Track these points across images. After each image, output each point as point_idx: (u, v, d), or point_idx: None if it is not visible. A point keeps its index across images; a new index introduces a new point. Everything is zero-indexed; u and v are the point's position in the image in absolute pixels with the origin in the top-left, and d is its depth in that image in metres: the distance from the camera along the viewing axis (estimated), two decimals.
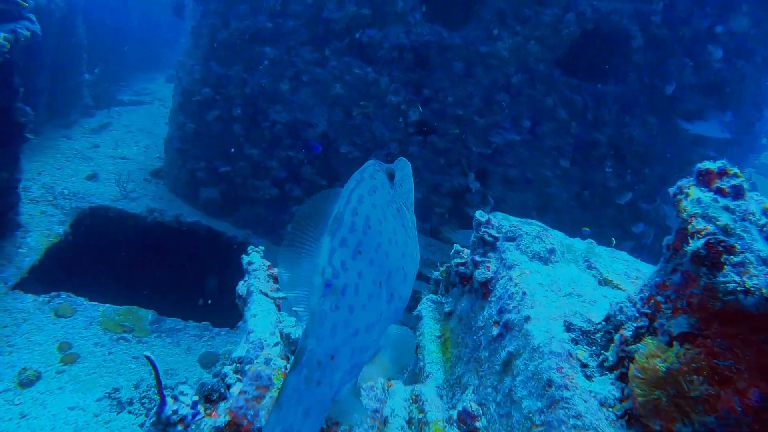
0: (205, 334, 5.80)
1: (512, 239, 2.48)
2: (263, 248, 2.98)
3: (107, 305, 5.78)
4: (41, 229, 6.59)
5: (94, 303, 5.78)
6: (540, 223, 2.66)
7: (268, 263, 2.84)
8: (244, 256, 2.86)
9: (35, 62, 8.22)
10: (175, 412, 1.64)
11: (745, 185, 1.44)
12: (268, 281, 2.67)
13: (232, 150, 7.83)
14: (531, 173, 7.56)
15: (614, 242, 3.12)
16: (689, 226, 1.38)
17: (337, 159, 7.55)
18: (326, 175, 7.64)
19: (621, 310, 1.68)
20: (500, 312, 2.15)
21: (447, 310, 2.74)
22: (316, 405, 1.15)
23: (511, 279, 2.21)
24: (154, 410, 1.65)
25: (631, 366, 1.50)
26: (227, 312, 4.35)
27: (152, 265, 7.02)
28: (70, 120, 9.69)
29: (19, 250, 6.13)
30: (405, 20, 6.92)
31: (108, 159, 8.91)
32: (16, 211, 6.37)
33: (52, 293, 5.76)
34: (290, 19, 7.20)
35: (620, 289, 2.22)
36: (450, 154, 7.35)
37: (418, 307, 2.97)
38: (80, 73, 10.18)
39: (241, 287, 2.67)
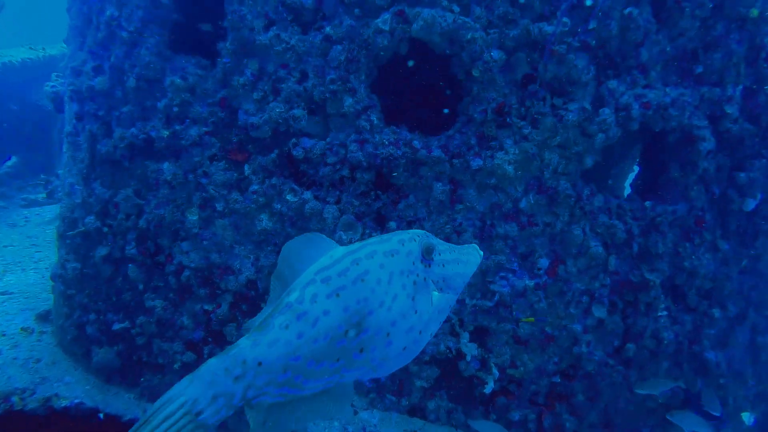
0: None
1: None
2: None
3: None
4: None
5: None
6: None
7: None
8: None
9: None
10: None
11: None
12: None
13: (129, 300, 5.56)
14: (551, 328, 5.21)
15: None
16: None
17: None
18: None
19: None
20: None
21: None
22: (224, 393, 1.31)
23: None
24: None
25: None
26: None
27: None
28: None
29: None
30: (357, 124, 4.64)
31: None
32: None
33: None
34: (193, 125, 4.94)
35: None
36: None
37: None
38: None
39: None
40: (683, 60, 4.64)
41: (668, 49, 4.53)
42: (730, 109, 4.76)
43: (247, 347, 1.37)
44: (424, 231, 1.68)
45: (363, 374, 1.54)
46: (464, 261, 1.73)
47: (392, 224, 4.84)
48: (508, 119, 4.58)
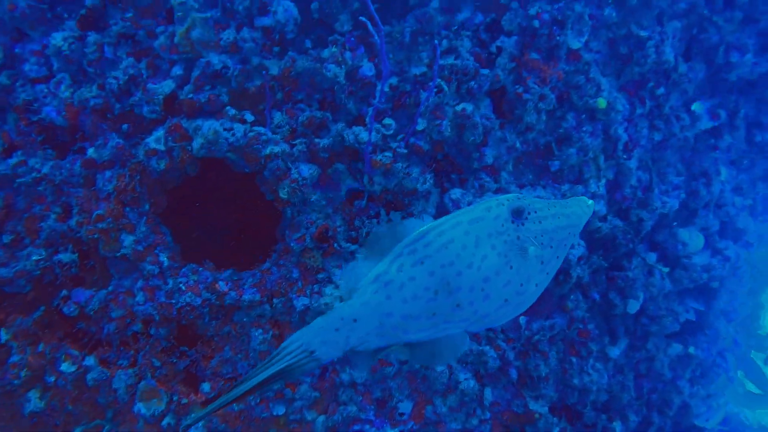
0: None
1: None
2: None
3: None
4: None
5: None
6: None
7: None
8: None
9: None
10: None
11: None
12: None
13: None
14: None
15: None
16: None
17: None
18: None
19: None
20: None
21: None
22: (330, 340, 1.74)
23: None
24: None
25: None
26: None
27: None
28: None
29: None
30: (142, 268, 3.57)
31: None
32: None
33: None
34: None
35: None
36: None
37: None
38: None
39: None
40: (537, 156, 3.95)
41: (518, 145, 3.81)
42: (597, 207, 4.09)
43: (344, 308, 1.75)
44: (515, 194, 1.83)
45: (470, 326, 1.79)
46: (566, 214, 1.84)
47: (205, 386, 3.75)
48: (335, 245, 3.65)
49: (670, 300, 4.77)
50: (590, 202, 1.93)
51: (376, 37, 2.81)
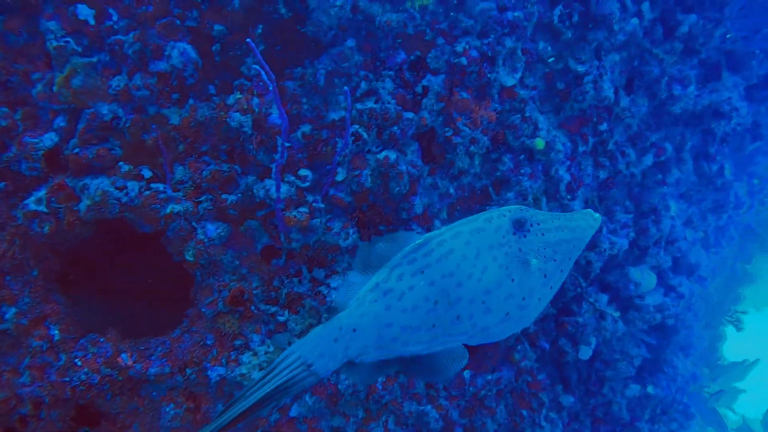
0: None
1: None
2: None
3: None
4: None
5: None
6: None
7: None
8: None
9: None
10: None
11: None
12: None
13: None
14: None
15: None
16: None
17: None
18: None
19: None
20: None
21: None
22: (328, 352, 1.65)
23: None
24: None
25: None
26: None
27: None
28: None
29: None
30: (28, 344, 3.15)
31: None
32: None
33: None
34: None
35: None
36: None
37: None
38: None
39: None
40: (473, 201, 3.66)
41: (452, 191, 3.51)
42: None
43: (343, 317, 1.67)
44: (518, 206, 1.77)
45: (470, 339, 1.72)
46: (571, 227, 1.79)
47: None
48: (252, 308, 3.29)
49: (624, 342, 4.52)
50: (597, 215, 1.88)
51: (270, 86, 2.47)
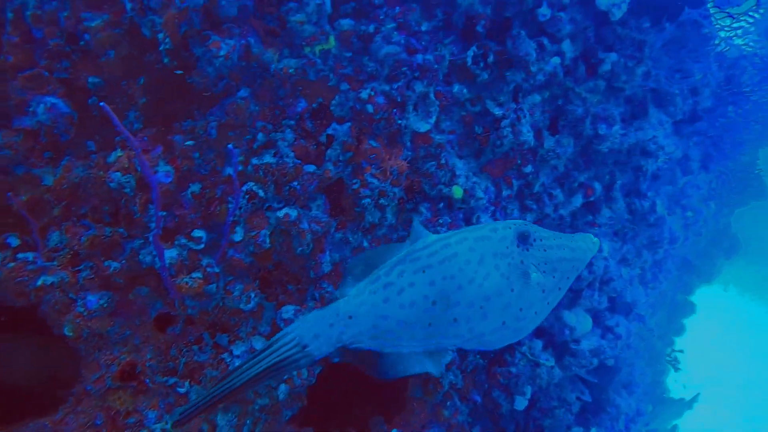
0: None
1: None
2: None
3: None
4: None
5: None
6: None
7: None
8: None
9: None
10: None
11: None
12: None
13: None
14: None
15: None
16: None
17: None
18: None
19: None
20: None
21: None
22: (323, 335, 1.66)
23: None
24: None
25: None
26: None
27: None
28: None
29: None
30: None
31: None
32: None
33: None
34: None
35: None
36: None
37: None
38: None
39: None
40: None
41: (365, 244, 3.29)
42: None
43: (341, 304, 1.69)
44: (523, 221, 1.81)
45: (464, 344, 1.73)
46: (571, 247, 1.82)
47: None
48: (147, 381, 2.98)
49: (562, 388, 4.34)
50: (595, 239, 1.92)
51: (131, 143, 2.21)
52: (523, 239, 1.78)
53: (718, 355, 10.48)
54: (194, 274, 2.82)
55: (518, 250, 1.76)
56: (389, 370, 1.74)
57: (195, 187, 2.83)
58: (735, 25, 4.19)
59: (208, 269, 2.85)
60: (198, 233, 2.89)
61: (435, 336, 1.70)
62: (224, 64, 2.69)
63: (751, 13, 4.15)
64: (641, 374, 5.04)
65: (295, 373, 3.09)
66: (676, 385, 7.96)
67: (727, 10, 4.01)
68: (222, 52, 2.62)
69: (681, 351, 6.64)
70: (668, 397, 7.47)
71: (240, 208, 2.83)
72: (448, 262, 1.67)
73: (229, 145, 2.57)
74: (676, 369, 6.63)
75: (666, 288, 5.62)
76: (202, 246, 2.89)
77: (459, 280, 1.66)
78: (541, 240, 1.82)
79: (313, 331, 1.68)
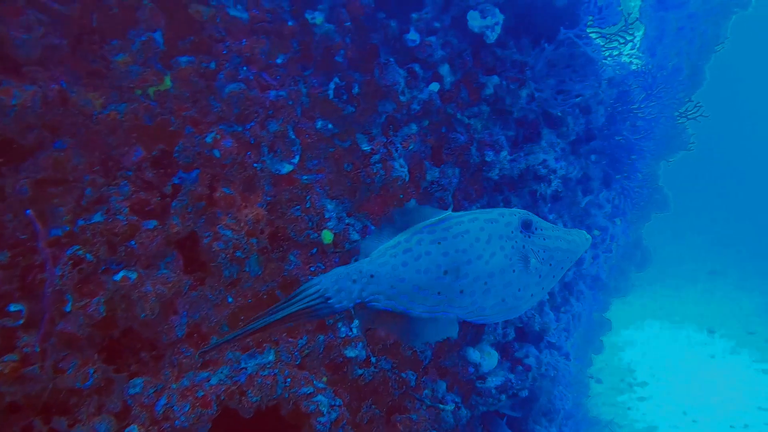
0: None
1: None
2: None
3: None
4: None
5: None
6: None
7: None
8: None
9: None
10: None
11: None
12: None
13: None
14: None
15: None
16: None
17: None
18: None
19: None
20: None
21: None
22: (345, 289, 1.77)
23: None
24: None
25: None
26: None
27: None
28: None
29: None
30: None
31: None
32: None
33: None
34: None
35: None
36: None
37: None
38: None
39: None
40: (261, 307, 3.11)
41: (230, 300, 2.96)
42: (355, 351, 3.31)
43: (365, 263, 1.80)
44: (526, 211, 1.95)
45: (466, 315, 1.88)
46: (567, 239, 1.98)
47: None
48: None
49: (472, 427, 4.10)
50: (588, 236, 2.08)
51: None
52: (526, 226, 1.90)
53: (644, 363, 10.67)
54: (7, 357, 2.43)
55: (521, 236, 1.89)
56: (418, 337, 1.86)
57: (2, 257, 2.44)
58: (609, 45, 4.11)
59: (25, 350, 2.46)
60: (16, 307, 2.50)
61: (442, 303, 1.82)
62: (24, 114, 2.33)
63: (622, 34, 4.08)
64: (561, 399, 4.87)
65: None
66: (597, 404, 7.93)
67: (598, 30, 3.92)
68: (15, 101, 2.27)
69: (600, 381, 6.56)
70: (592, 417, 7.43)
71: (62, 276, 2.46)
72: (461, 237, 1.80)
73: (27, 211, 2.21)
74: (597, 381, 6.54)
75: (580, 309, 5.50)
76: (21, 322, 2.50)
77: (469, 254, 1.80)
78: (541, 230, 1.95)
79: (337, 285, 1.77)
